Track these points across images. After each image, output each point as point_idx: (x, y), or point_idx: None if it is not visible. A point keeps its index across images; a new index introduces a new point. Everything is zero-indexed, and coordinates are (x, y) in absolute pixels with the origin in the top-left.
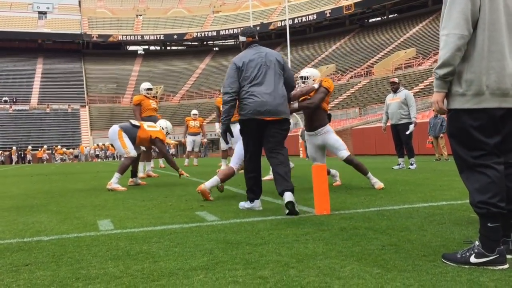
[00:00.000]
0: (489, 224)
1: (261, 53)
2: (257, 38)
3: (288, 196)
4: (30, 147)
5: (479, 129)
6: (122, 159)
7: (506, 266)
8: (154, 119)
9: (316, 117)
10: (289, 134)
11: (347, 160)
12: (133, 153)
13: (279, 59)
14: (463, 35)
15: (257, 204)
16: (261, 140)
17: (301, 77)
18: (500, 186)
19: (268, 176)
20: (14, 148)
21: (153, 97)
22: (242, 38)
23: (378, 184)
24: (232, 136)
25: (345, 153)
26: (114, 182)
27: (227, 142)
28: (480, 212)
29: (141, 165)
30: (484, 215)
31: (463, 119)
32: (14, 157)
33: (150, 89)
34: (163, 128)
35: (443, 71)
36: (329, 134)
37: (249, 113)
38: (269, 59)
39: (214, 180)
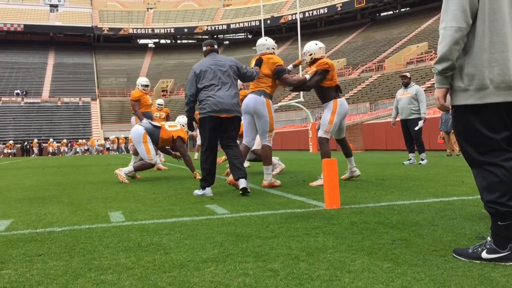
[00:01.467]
0: (499, 223)
1: (216, 61)
2: (215, 47)
3: (242, 183)
4: (51, 139)
5: (485, 125)
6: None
7: None
8: (150, 115)
9: (319, 94)
10: (299, 129)
11: (318, 141)
12: (155, 160)
13: (232, 64)
14: (461, 28)
15: (208, 191)
16: (217, 135)
17: (304, 53)
18: (509, 185)
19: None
20: (35, 140)
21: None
22: (203, 48)
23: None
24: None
25: (319, 133)
26: (124, 171)
27: (192, 130)
28: (490, 211)
29: (134, 158)
30: (493, 214)
31: (468, 115)
32: (36, 149)
33: (147, 85)
34: (183, 126)
35: (442, 66)
36: (326, 111)
37: (207, 112)
38: (222, 65)
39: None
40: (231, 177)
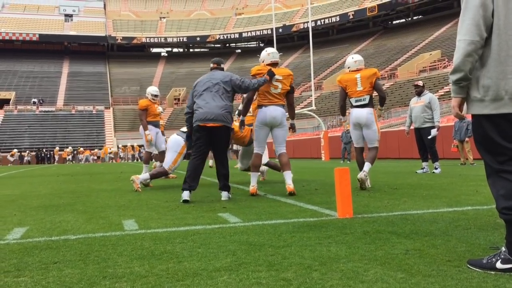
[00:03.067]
0: None
1: (211, 75)
2: (221, 66)
3: (224, 195)
4: (70, 148)
5: (501, 134)
6: (158, 165)
7: None
8: (157, 124)
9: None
10: (311, 137)
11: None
12: (172, 170)
13: (223, 79)
14: (473, 41)
15: (184, 194)
16: (205, 144)
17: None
18: None
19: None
20: (57, 148)
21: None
22: (210, 65)
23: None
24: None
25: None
26: (141, 179)
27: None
28: (505, 219)
29: (145, 167)
30: (509, 222)
31: (484, 125)
32: (69, 157)
33: (156, 95)
34: None
35: (455, 77)
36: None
37: (197, 121)
38: (214, 79)
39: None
40: (251, 188)
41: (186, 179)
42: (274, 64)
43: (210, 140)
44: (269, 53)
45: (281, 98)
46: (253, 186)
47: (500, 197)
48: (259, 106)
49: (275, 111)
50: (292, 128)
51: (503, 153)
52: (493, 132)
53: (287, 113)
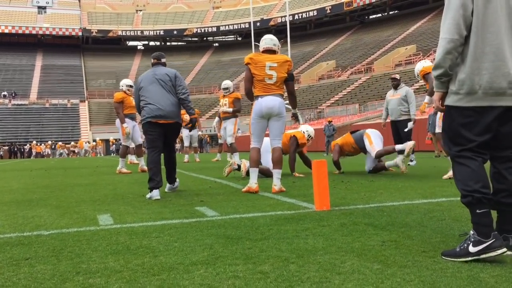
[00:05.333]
0: (477, 211)
1: (154, 71)
2: (162, 61)
3: (168, 187)
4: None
5: (468, 127)
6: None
7: (504, 250)
8: (133, 117)
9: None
10: (288, 130)
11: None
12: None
13: (169, 73)
14: (453, 39)
15: (155, 193)
16: (158, 138)
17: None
18: (481, 174)
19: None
20: (34, 142)
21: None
22: (151, 60)
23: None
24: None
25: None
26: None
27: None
28: (465, 201)
29: (121, 161)
30: (470, 203)
31: (454, 116)
32: (34, 151)
33: (131, 86)
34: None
35: (436, 72)
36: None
37: (146, 118)
38: (160, 74)
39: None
40: (253, 186)
41: (151, 177)
42: (269, 51)
43: (163, 135)
44: (262, 40)
45: (278, 87)
46: (256, 184)
47: (458, 182)
48: (256, 98)
49: (272, 101)
50: (295, 117)
51: (463, 143)
52: (461, 123)
53: (287, 104)
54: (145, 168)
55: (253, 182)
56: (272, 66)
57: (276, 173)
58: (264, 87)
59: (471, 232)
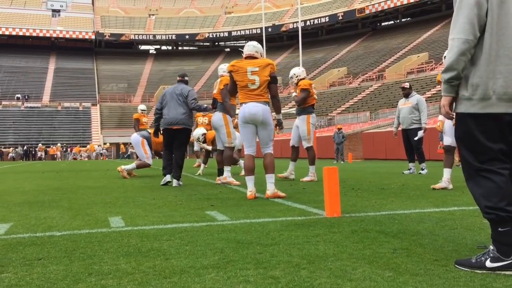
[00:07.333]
0: (499, 229)
1: (175, 88)
2: (185, 79)
3: (175, 183)
4: (58, 144)
5: (484, 134)
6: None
7: None
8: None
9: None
10: None
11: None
12: (151, 161)
13: (182, 92)
14: (468, 40)
15: (167, 177)
16: (171, 140)
17: (290, 77)
18: (506, 190)
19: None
20: (40, 145)
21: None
22: (177, 78)
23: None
24: (157, 136)
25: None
26: (126, 168)
27: (157, 137)
28: (489, 218)
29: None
30: (493, 220)
31: (469, 123)
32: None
33: (145, 110)
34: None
35: (448, 75)
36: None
37: (164, 125)
38: (175, 92)
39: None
40: (249, 194)
41: (165, 166)
42: (250, 57)
43: (173, 137)
44: (246, 46)
45: (262, 94)
46: (250, 192)
47: (480, 196)
48: (240, 105)
49: (254, 107)
50: (279, 124)
51: (484, 152)
52: (478, 131)
53: (273, 112)
54: (131, 172)
55: (248, 191)
56: (254, 71)
57: (269, 178)
58: (247, 94)
59: (491, 247)
